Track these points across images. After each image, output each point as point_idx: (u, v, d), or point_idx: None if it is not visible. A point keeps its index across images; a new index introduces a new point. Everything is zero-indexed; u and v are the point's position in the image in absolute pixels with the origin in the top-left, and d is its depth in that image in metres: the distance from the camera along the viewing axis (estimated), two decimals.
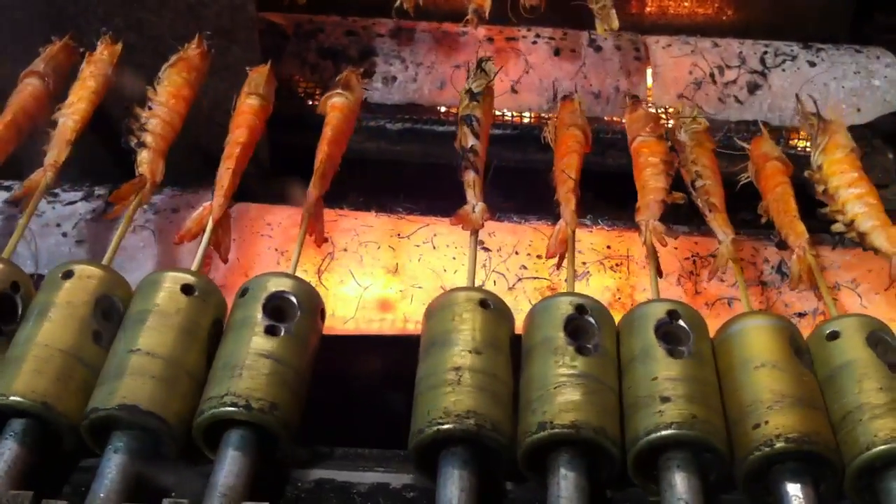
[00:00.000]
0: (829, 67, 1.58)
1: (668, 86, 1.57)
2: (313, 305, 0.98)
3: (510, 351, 0.95)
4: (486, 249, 1.26)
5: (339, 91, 1.23)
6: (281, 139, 1.54)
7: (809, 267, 1.07)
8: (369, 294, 1.21)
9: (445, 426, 0.85)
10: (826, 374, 0.93)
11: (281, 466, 0.91)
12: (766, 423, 0.86)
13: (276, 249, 1.24)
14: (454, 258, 1.25)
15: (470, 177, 1.13)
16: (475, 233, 1.10)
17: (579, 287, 1.23)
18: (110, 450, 0.84)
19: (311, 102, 1.60)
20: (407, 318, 1.19)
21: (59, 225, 1.24)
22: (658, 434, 0.85)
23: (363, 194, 1.41)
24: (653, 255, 1.08)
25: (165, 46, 1.34)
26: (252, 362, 0.88)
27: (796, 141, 1.56)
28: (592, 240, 1.28)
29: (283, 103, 1.58)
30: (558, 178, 1.17)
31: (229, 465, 0.83)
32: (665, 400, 0.87)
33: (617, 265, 1.25)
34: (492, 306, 0.96)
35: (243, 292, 0.96)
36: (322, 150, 1.17)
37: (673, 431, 0.85)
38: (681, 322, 0.94)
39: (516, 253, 1.26)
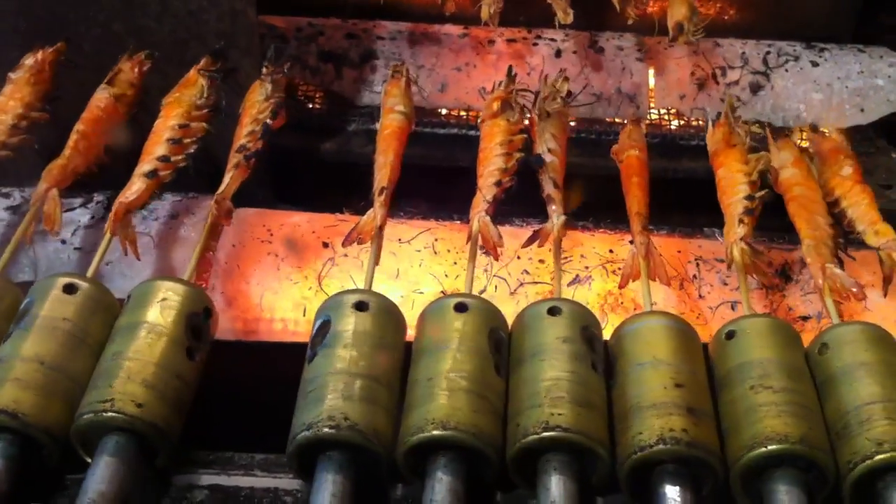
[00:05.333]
0: (832, 67, 1.57)
1: (671, 87, 1.56)
2: (214, 326, 0.99)
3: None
4: (488, 254, 1.25)
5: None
6: (281, 142, 1.54)
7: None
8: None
9: (323, 431, 0.84)
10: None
11: (165, 473, 0.91)
12: (651, 426, 0.85)
13: (276, 255, 1.23)
14: (455, 263, 1.24)
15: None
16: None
17: (581, 291, 1.23)
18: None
19: (311, 106, 1.60)
20: (407, 323, 1.19)
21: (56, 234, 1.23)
22: (538, 436, 0.84)
23: (364, 199, 1.41)
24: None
25: (166, 52, 1.34)
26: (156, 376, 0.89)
27: (799, 141, 1.55)
28: (595, 244, 1.27)
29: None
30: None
31: (101, 471, 0.83)
32: (549, 402, 0.86)
33: (619, 269, 1.24)
34: (370, 309, 0.94)
35: (129, 297, 0.97)
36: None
37: (551, 433, 0.84)
38: (595, 331, 0.95)
39: (518, 258, 1.25)
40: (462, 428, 0.83)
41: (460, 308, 0.94)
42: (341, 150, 1.56)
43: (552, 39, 1.61)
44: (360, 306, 0.94)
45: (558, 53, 1.59)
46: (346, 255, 1.24)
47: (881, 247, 1.09)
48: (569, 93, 1.29)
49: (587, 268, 1.24)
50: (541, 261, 1.25)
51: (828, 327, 0.97)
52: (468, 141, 1.44)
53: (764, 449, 0.82)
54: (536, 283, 1.24)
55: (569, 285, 1.23)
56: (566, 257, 1.26)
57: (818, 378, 0.91)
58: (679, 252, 1.26)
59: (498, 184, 1.12)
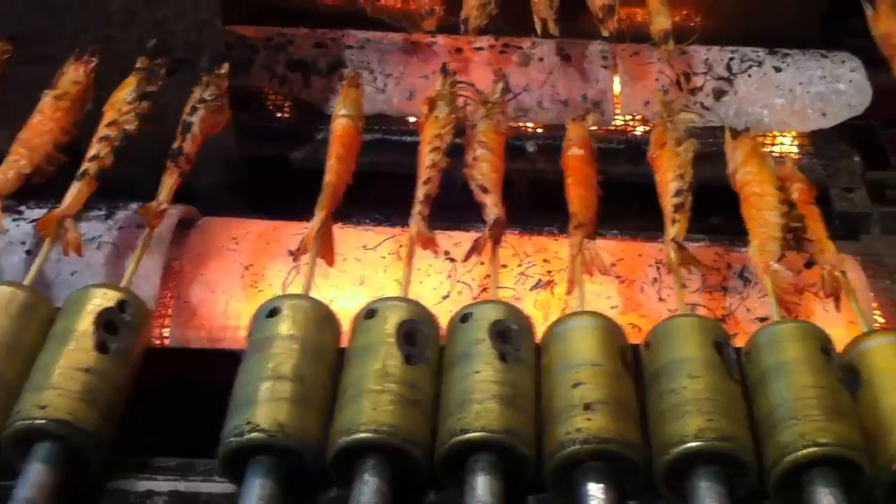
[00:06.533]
0: (795, 72, 1.59)
1: (636, 93, 1.58)
2: (142, 320, 0.99)
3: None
4: (452, 260, 1.27)
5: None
6: (251, 151, 1.55)
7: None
8: (335, 307, 1.21)
9: (250, 436, 0.84)
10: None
11: (96, 477, 0.92)
12: (583, 426, 0.85)
13: (241, 264, 1.24)
14: (419, 269, 1.25)
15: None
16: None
17: (543, 296, 1.24)
18: None
19: (279, 115, 1.62)
20: None
21: (23, 243, 1.24)
22: (466, 436, 0.84)
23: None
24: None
25: (131, 63, 1.35)
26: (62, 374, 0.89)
27: (764, 147, 1.57)
28: (558, 248, 1.29)
29: (252, 115, 1.61)
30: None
31: (31, 478, 0.84)
32: (478, 402, 0.86)
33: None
34: (290, 313, 0.95)
35: (67, 304, 0.98)
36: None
37: (479, 434, 0.84)
38: (512, 325, 0.94)
39: (482, 262, 1.26)
40: (386, 430, 0.84)
41: (369, 314, 0.95)
42: (309, 157, 1.56)
43: (519, 47, 1.62)
44: (273, 312, 0.95)
45: (525, 63, 1.61)
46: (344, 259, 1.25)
47: (824, 266, 1.10)
48: (506, 89, 1.29)
49: (550, 272, 1.26)
50: (504, 265, 1.26)
51: (759, 328, 0.98)
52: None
53: (685, 446, 0.83)
54: (500, 287, 1.25)
55: (532, 289, 1.24)
56: (530, 262, 1.28)
57: (749, 377, 0.92)
58: (640, 255, 1.27)
59: (427, 181, 1.12)
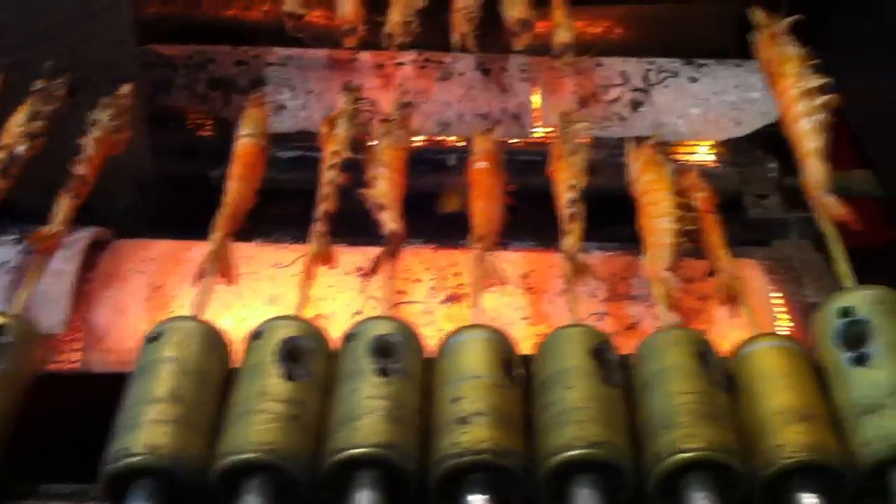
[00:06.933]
0: (710, 82, 1.62)
1: (555, 106, 1.60)
2: (27, 343, 0.99)
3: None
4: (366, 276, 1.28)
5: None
6: (173, 170, 1.55)
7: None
8: (248, 326, 1.22)
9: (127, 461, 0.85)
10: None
11: None
12: (460, 439, 0.85)
13: (151, 285, 1.24)
14: (331, 286, 1.26)
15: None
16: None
17: (455, 309, 1.26)
18: None
19: (200, 133, 1.62)
20: None
21: None
22: (347, 453, 0.85)
23: (249, 224, 1.42)
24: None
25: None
26: None
27: (681, 155, 1.60)
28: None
29: (172, 135, 1.61)
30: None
31: None
32: (358, 418, 0.87)
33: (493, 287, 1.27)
34: (172, 336, 0.95)
35: None
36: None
37: (359, 451, 0.85)
38: (394, 339, 0.95)
39: (391, 278, 1.27)
40: (264, 448, 0.84)
41: (256, 336, 0.97)
42: None
43: (440, 62, 1.64)
44: (156, 337, 0.95)
45: (446, 77, 1.63)
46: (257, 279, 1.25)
47: (719, 276, 1.12)
48: (406, 104, 1.30)
49: (460, 285, 1.27)
50: (416, 280, 1.28)
51: (648, 336, 0.99)
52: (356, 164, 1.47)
53: (560, 456, 0.84)
54: (412, 302, 1.26)
55: (442, 303, 1.26)
56: (442, 275, 1.29)
57: (634, 386, 0.94)
58: (551, 266, 1.29)
59: (324, 199, 1.13)
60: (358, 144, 1.22)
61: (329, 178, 1.14)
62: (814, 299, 1.37)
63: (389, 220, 1.12)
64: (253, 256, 1.30)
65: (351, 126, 1.21)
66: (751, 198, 1.55)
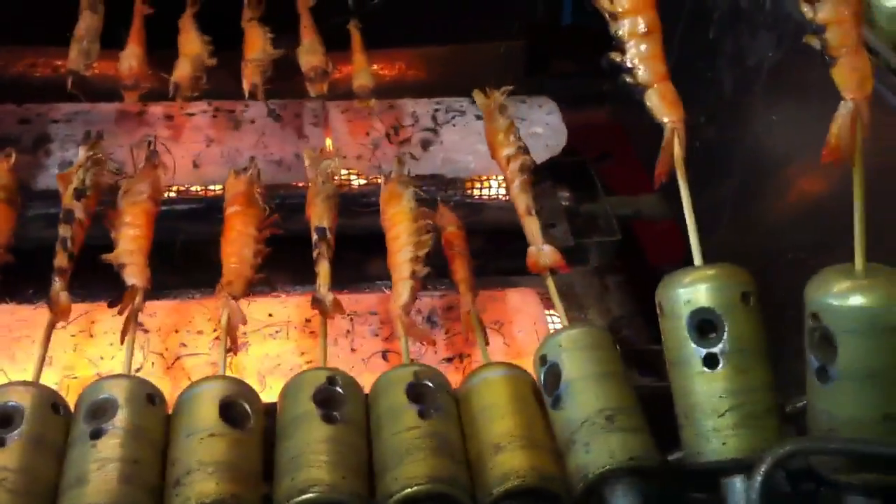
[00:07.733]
0: None
1: (348, 149, 1.63)
2: None
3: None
4: (146, 331, 1.27)
5: None
6: None
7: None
8: None
9: None
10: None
11: None
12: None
13: None
14: (111, 344, 1.24)
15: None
16: None
17: (240, 357, 1.26)
18: None
19: None
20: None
21: None
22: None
23: (32, 285, 1.39)
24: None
25: None
26: None
27: (472, 190, 1.66)
28: (253, 310, 1.30)
29: None
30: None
31: None
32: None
33: (277, 332, 1.28)
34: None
35: None
36: None
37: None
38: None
39: (176, 331, 1.27)
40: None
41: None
42: (19, 236, 1.52)
43: (230, 111, 1.65)
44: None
45: (237, 126, 1.63)
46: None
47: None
48: (151, 156, 1.30)
49: (245, 333, 1.27)
50: (199, 332, 1.27)
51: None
52: None
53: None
54: (196, 354, 1.25)
55: (228, 352, 1.25)
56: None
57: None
58: None
59: (56, 253, 1.15)
60: (105, 192, 1.21)
61: (61, 234, 1.14)
62: (597, 322, 1.45)
63: (129, 275, 1.13)
64: (30, 319, 1.27)
65: (88, 177, 1.20)
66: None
